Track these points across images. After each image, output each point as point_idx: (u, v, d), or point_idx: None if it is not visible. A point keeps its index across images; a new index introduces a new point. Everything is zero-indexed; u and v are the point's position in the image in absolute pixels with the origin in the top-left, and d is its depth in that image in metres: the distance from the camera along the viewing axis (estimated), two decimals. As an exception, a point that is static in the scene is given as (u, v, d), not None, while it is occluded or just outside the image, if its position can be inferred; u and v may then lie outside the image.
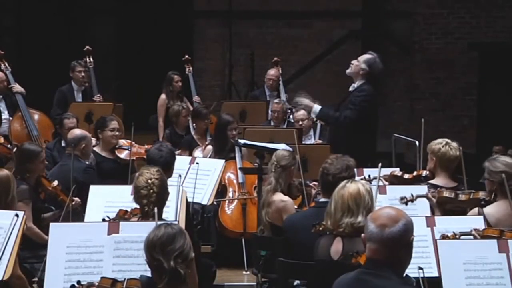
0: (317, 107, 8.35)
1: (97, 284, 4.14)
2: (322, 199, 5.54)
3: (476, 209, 5.60)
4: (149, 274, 4.00)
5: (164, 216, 5.24)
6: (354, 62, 8.34)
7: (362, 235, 3.70)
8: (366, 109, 8.17)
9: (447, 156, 6.27)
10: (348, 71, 8.37)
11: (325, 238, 4.90)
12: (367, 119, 8.22)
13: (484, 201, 5.66)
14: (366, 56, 8.36)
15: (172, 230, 3.92)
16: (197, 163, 7.35)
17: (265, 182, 6.84)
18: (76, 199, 6.60)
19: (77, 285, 4.07)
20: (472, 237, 5.08)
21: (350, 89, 8.36)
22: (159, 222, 4.14)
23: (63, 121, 8.87)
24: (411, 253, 3.68)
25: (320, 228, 4.93)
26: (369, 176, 6.75)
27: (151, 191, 5.05)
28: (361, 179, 6.70)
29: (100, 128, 8.32)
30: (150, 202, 5.05)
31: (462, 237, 5.10)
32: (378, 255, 3.61)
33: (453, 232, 5.09)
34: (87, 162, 7.69)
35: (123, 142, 8.48)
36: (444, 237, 5.08)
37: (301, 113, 9.61)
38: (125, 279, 4.08)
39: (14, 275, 5.30)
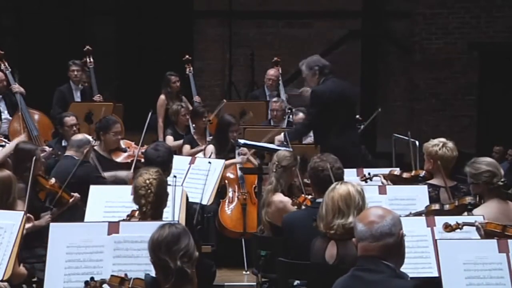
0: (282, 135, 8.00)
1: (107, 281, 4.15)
2: (319, 200, 5.53)
3: (465, 214, 5.60)
4: (150, 274, 4.00)
5: (164, 216, 5.23)
6: (307, 82, 8.12)
7: (353, 239, 3.74)
8: (317, 110, 7.86)
9: (445, 158, 6.26)
10: (307, 93, 8.13)
11: (319, 241, 4.92)
12: (329, 117, 7.81)
13: (471, 205, 5.64)
14: (304, 65, 7.97)
15: (176, 229, 3.92)
16: (209, 163, 7.32)
17: (266, 182, 6.84)
18: (76, 194, 6.59)
19: (91, 282, 4.08)
20: (475, 228, 5.07)
21: None
22: (162, 222, 4.13)
23: (63, 119, 8.89)
24: (403, 249, 3.75)
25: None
26: (369, 173, 6.75)
27: (149, 191, 5.05)
28: (362, 177, 6.72)
29: (103, 130, 8.27)
30: (148, 202, 5.05)
31: (465, 227, 5.09)
32: (369, 251, 3.68)
33: (457, 222, 5.09)
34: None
35: (122, 143, 8.47)
36: (447, 226, 5.08)
37: (300, 116, 9.61)
38: (131, 278, 4.08)
39: (14, 274, 5.29)
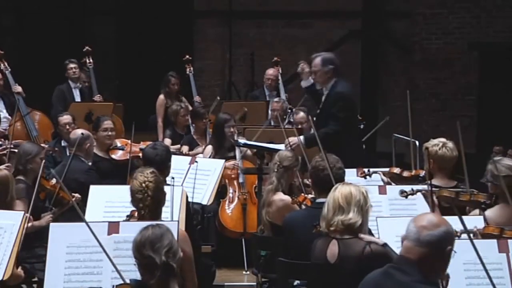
0: (301, 138, 7.70)
1: None
2: (319, 200, 5.53)
3: (477, 211, 5.59)
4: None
5: (164, 216, 5.22)
6: (312, 76, 7.87)
7: (402, 234, 3.71)
8: (347, 115, 7.75)
9: (445, 158, 6.25)
10: (318, 86, 7.87)
11: (321, 241, 4.92)
12: (351, 120, 7.88)
13: (485, 204, 5.62)
14: (319, 60, 7.79)
15: (159, 229, 3.95)
16: (196, 162, 7.36)
17: (266, 182, 6.83)
18: (76, 195, 6.60)
19: None
20: (472, 235, 5.06)
21: (324, 90, 7.84)
22: (146, 223, 4.14)
23: (58, 118, 9.02)
24: (446, 264, 3.70)
25: (320, 229, 4.95)
26: (368, 170, 6.74)
27: (146, 194, 5.00)
28: (361, 173, 6.72)
29: (95, 129, 8.32)
30: (146, 205, 5.02)
31: (462, 235, 5.09)
32: (410, 254, 3.65)
33: (455, 230, 5.07)
34: (89, 163, 7.68)
35: (118, 141, 8.47)
36: None
37: (301, 115, 9.60)
38: (113, 286, 4.08)
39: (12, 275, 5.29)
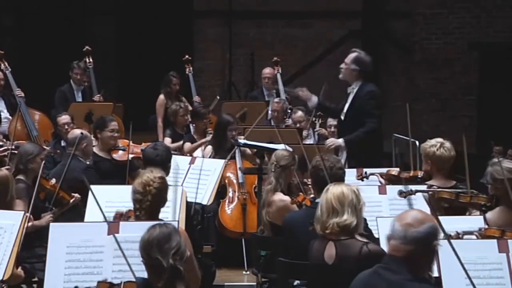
0: (341, 141, 7.93)
1: None
2: (318, 199, 5.53)
3: (477, 213, 5.58)
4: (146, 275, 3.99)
5: (163, 216, 5.22)
6: (342, 65, 8.06)
7: (388, 233, 3.71)
8: (380, 113, 8.08)
9: (442, 158, 6.25)
10: (340, 76, 8.08)
11: (317, 243, 4.92)
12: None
13: (485, 206, 5.62)
14: (352, 56, 8.04)
15: (167, 229, 3.93)
16: (198, 157, 7.39)
17: (265, 182, 6.84)
18: (76, 195, 6.61)
19: None
20: (474, 236, 5.06)
21: (349, 91, 8.07)
22: (146, 223, 4.13)
23: (57, 119, 9.08)
24: (433, 259, 3.71)
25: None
26: (365, 172, 6.75)
27: (145, 198, 5.00)
28: (359, 175, 6.73)
29: (99, 128, 8.30)
30: (142, 208, 5.01)
31: (465, 236, 5.09)
32: (397, 252, 3.65)
33: (456, 232, 5.08)
34: (87, 162, 7.68)
35: (119, 142, 8.47)
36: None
37: (299, 114, 9.61)
38: (121, 282, 4.07)
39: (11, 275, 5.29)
